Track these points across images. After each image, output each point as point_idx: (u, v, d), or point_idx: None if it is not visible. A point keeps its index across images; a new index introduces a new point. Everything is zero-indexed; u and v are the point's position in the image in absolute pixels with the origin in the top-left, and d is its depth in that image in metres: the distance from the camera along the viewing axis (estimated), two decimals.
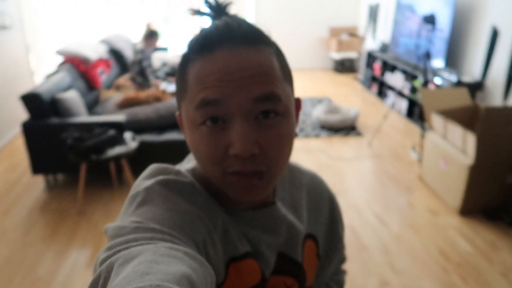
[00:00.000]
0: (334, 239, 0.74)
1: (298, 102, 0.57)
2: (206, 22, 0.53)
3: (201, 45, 0.49)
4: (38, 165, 3.00)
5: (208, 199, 0.55)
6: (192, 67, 0.50)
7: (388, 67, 5.13)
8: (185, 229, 0.49)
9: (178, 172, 0.56)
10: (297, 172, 0.70)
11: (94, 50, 4.04)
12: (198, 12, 0.53)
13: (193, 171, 0.59)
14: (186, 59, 0.51)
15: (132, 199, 0.52)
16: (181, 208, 0.51)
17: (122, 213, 0.52)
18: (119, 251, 0.42)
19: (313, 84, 6.08)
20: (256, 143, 0.48)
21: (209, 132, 0.48)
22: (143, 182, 0.55)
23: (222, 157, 0.49)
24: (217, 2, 0.53)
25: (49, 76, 3.32)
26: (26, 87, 4.21)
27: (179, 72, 0.53)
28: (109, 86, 4.30)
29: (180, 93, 0.53)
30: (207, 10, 0.53)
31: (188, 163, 0.61)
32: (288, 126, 0.51)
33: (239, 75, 0.47)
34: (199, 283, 0.39)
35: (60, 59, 3.82)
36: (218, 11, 0.53)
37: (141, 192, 0.52)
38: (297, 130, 0.56)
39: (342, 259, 0.82)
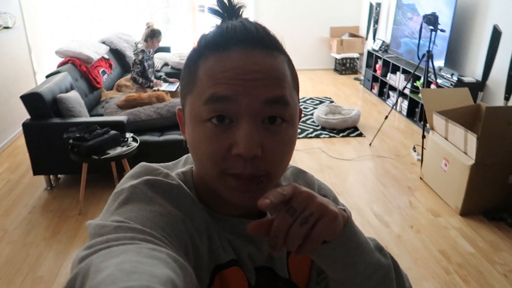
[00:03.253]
0: None
1: (300, 111, 0.57)
2: (214, 22, 0.53)
3: (217, 42, 0.49)
4: (39, 165, 3.01)
5: (194, 204, 0.54)
6: (204, 62, 0.49)
7: (389, 67, 5.12)
8: (167, 231, 0.48)
9: (166, 175, 0.55)
10: (281, 179, 0.67)
11: (95, 50, 4.05)
12: (210, 10, 0.53)
13: (183, 175, 0.58)
14: (199, 54, 0.51)
15: (116, 196, 0.51)
16: (165, 210, 0.50)
17: (105, 210, 0.51)
18: (100, 250, 0.41)
19: (314, 85, 6.07)
20: (259, 146, 0.47)
21: (214, 129, 0.48)
22: (129, 180, 0.53)
23: (223, 157, 0.48)
24: (231, 3, 0.53)
25: (50, 76, 3.32)
26: (28, 87, 4.19)
27: (188, 66, 0.52)
28: (111, 86, 4.31)
29: (187, 87, 0.52)
30: (219, 9, 0.53)
31: (178, 168, 0.60)
32: (292, 133, 0.51)
33: (252, 76, 0.47)
34: (182, 287, 0.39)
35: (61, 59, 3.83)
36: (231, 12, 0.53)
37: (125, 190, 0.51)
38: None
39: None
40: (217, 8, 0.53)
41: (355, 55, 6.54)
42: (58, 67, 3.69)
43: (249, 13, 6.54)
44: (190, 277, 0.42)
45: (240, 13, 0.53)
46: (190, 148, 0.53)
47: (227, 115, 0.48)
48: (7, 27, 4.01)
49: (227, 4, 0.53)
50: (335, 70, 6.85)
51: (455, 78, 3.74)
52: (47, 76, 3.39)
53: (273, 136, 0.49)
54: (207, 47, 0.50)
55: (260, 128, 0.48)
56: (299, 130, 4.24)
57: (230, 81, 0.47)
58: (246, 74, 0.47)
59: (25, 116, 2.97)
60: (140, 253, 0.40)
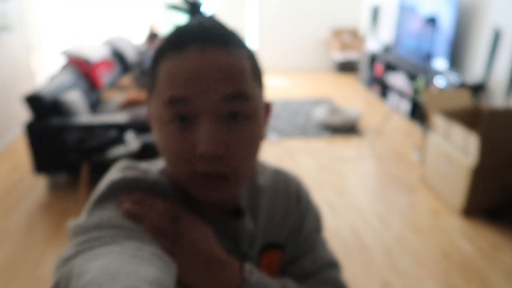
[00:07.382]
0: (299, 245, 0.68)
1: (268, 106, 0.57)
2: (183, 19, 0.54)
3: (174, 43, 0.49)
4: (40, 166, 3.01)
5: (174, 200, 0.54)
6: (163, 63, 0.50)
7: (390, 67, 5.12)
8: None
9: (146, 171, 0.55)
10: (259, 176, 0.67)
11: (97, 52, 4.06)
12: (175, 8, 0.54)
13: (162, 172, 0.58)
14: (159, 54, 0.51)
15: (97, 195, 0.52)
16: None
17: (85, 211, 0.51)
18: (82, 250, 0.41)
19: (314, 85, 6.07)
20: (222, 144, 0.47)
21: (177, 130, 0.48)
22: (109, 178, 0.54)
23: (190, 156, 0.48)
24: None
25: (52, 77, 3.33)
26: (27, 88, 4.22)
27: (151, 68, 0.53)
28: (112, 86, 4.31)
29: (150, 88, 0.52)
30: (184, 6, 0.54)
31: (158, 164, 0.61)
32: (256, 128, 0.51)
33: (208, 75, 0.47)
34: (168, 285, 0.39)
35: (62, 60, 3.84)
36: (194, 8, 0.53)
37: (106, 188, 0.52)
38: (266, 132, 0.57)
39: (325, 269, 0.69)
40: (178, 5, 0.54)
41: (356, 55, 6.54)
42: (59, 68, 3.70)
43: (252, 14, 6.55)
44: (174, 274, 0.43)
45: (202, 8, 0.54)
46: (159, 149, 0.53)
47: (187, 115, 0.48)
48: (5, 28, 4.01)
49: (190, 0, 0.53)
50: (336, 70, 6.85)
51: (456, 79, 3.74)
52: (49, 77, 3.39)
53: (236, 133, 0.49)
54: (166, 47, 0.50)
55: (222, 125, 0.48)
56: (300, 130, 4.24)
57: (186, 82, 0.47)
58: (201, 74, 0.47)
59: (25, 116, 2.97)
60: (124, 253, 0.40)
